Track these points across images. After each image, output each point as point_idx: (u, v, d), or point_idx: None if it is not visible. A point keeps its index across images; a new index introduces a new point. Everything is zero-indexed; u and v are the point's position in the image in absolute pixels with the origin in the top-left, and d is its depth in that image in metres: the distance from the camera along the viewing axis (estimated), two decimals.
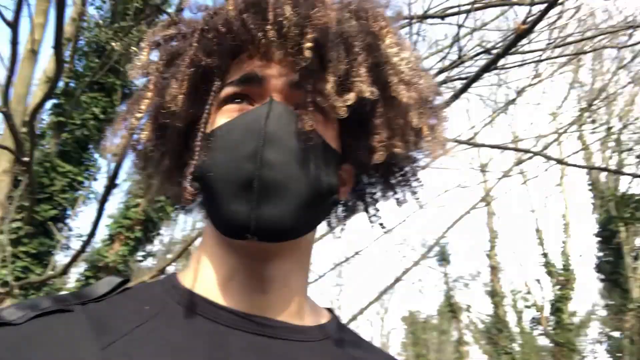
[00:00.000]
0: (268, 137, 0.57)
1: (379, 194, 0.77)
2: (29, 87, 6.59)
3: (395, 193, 0.75)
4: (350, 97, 0.60)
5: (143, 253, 8.09)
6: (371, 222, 0.77)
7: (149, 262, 9.51)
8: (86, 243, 4.15)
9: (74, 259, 4.40)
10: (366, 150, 0.66)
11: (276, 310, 0.62)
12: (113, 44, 5.00)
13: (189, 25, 0.69)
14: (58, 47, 2.69)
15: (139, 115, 0.65)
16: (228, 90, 0.64)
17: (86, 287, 0.64)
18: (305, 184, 0.59)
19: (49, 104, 6.79)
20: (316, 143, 0.60)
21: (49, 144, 6.65)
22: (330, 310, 0.74)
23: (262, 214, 0.56)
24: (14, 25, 2.65)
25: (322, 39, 0.61)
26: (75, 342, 0.53)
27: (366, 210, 0.77)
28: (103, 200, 3.22)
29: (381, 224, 0.76)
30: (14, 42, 2.79)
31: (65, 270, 4.75)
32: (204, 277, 0.63)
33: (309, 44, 0.60)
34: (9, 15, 2.63)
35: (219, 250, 0.63)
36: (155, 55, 0.69)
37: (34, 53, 6.42)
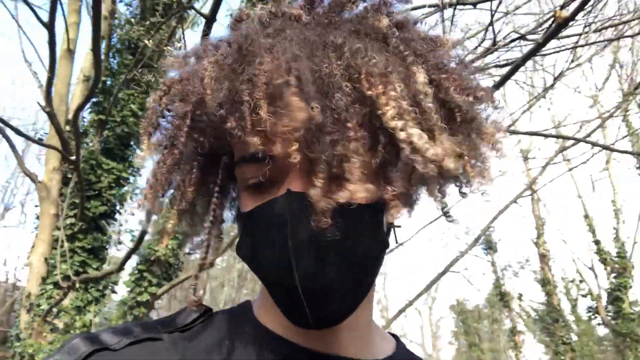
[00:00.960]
0: (296, 247, 0.54)
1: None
2: (68, 87, 6.89)
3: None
4: (341, 198, 0.55)
5: (191, 246, 8.37)
6: (444, 215, 0.70)
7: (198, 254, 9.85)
8: (139, 240, 4.37)
9: (129, 255, 4.65)
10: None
11: (347, 348, 0.63)
12: (145, 40, 5.14)
13: (179, 93, 0.63)
14: (96, 47, 2.79)
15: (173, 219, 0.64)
16: (247, 173, 0.60)
17: (171, 315, 0.67)
18: (353, 271, 0.57)
19: (88, 103, 7.07)
20: (345, 223, 0.55)
21: (93, 142, 6.82)
22: (394, 336, 0.75)
23: (319, 316, 0.56)
24: (49, 26, 2.80)
25: (306, 133, 0.55)
26: None
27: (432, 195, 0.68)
28: None
29: (447, 213, 0.69)
30: (52, 43, 2.93)
31: (122, 265, 5.04)
32: (277, 313, 0.61)
33: (293, 147, 0.54)
34: (44, 16, 2.79)
35: None
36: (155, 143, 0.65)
37: (70, 52, 6.72)
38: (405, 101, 0.56)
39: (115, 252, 7.35)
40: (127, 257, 4.02)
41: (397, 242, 0.69)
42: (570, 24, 4.13)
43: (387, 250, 0.64)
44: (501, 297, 16.28)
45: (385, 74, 0.57)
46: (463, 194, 0.66)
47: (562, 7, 3.06)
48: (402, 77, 0.58)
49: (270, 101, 0.55)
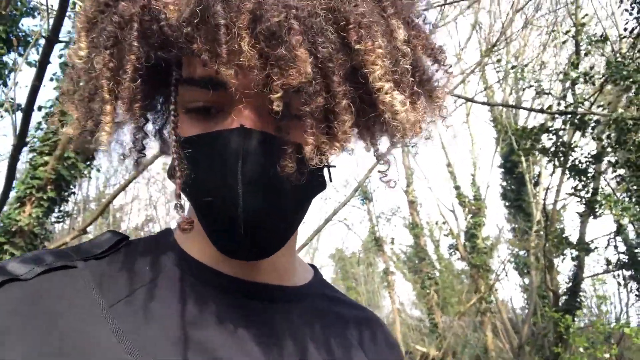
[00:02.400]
0: (245, 182, 0.53)
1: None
2: None
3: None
4: (331, 154, 0.55)
5: (58, 214, 7.75)
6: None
7: (67, 222, 9.16)
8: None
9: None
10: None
11: (270, 275, 0.65)
12: None
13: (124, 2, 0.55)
14: None
15: (107, 122, 0.55)
16: (192, 96, 0.56)
17: (85, 242, 0.63)
18: (291, 207, 0.59)
19: None
20: (300, 176, 0.55)
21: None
22: (313, 267, 0.78)
23: (255, 247, 0.57)
24: None
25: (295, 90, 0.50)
26: (83, 300, 0.54)
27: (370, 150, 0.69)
28: (13, 162, 3.00)
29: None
30: None
31: None
32: (201, 242, 0.62)
33: (277, 95, 0.50)
34: None
35: None
36: (94, 40, 0.57)
37: None
38: (388, 60, 0.53)
39: None
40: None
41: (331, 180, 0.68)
42: None
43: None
44: (376, 242, 17.50)
45: (372, 26, 0.52)
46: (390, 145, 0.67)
47: None
48: (383, 30, 0.54)
49: (252, 35, 0.49)
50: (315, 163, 0.52)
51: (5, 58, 6.82)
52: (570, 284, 10.28)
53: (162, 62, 0.56)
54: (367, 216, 17.79)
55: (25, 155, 7.40)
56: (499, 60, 8.64)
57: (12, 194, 6.99)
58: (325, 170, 0.65)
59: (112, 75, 0.55)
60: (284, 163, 0.54)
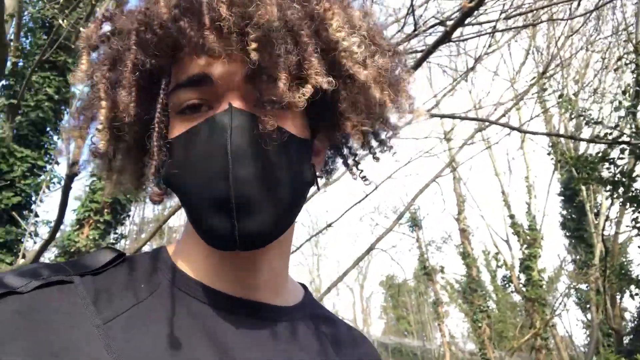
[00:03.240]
0: (234, 153, 0.57)
1: (355, 148, 0.77)
2: None
3: (371, 149, 0.75)
4: (307, 90, 0.59)
5: (115, 235, 8.06)
6: (353, 175, 0.76)
7: (122, 244, 9.50)
8: (54, 231, 4.12)
9: (44, 248, 4.38)
10: (336, 129, 0.69)
11: (263, 293, 0.66)
12: (60, 20, 4.81)
13: (124, 22, 0.65)
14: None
15: (100, 127, 0.62)
16: (183, 97, 0.62)
17: (83, 257, 0.64)
18: (281, 189, 0.61)
19: None
20: (284, 141, 0.59)
21: (4, 129, 6.34)
22: (303, 285, 0.80)
23: (245, 229, 0.58)
24: None
25: (267, 35, 0.58)
26: (78, 315, 0.55)
27: (346, 165, 0.78)
28: (66, 188, 3.19)
29: (364, 177, 0.76)
30: None
31: (36, 258, 4.74)
32: (196, 259, 0.65)
33: (253, 45, 0.57)
34: None
35: (206, 246, 0.63)
36: (97, 58, 0.66)
37: None
38: (347, 23, 0.63)
39: (33, 246, 6.92)
40: (42, 250, 3.76)
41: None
42: (488, 8, 4.35)
43: (310, 189, 0.69)
44: (425, 272, 17.08)
45: None
46: (376, 150, 0.74)
47: None
48: (342, 7, 0.65)
49: (229, 3, 0.58)
50: (289, 97, 0.58)
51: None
52: (636, 322, 9.56)
53: (154, 73, 0.63)
54: (417, 244, 17.43)
55: (86, 180, 7.75)
56: (544, 90, 8.36)
57: (72, 217, 7.33)
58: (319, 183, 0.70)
59: (109, 82, 0.62)
60: (263, 120, 0.58)
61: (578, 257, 12.99)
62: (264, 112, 0.58)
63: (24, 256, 6.42)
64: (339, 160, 0.80)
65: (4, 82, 6.38)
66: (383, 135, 0.74)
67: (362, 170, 0.76)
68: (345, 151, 0.78)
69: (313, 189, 0.71)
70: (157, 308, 0.59)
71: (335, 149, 0.78)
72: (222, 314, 0.62)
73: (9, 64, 6.49)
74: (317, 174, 0.71)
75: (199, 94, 0.61)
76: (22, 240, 6.39)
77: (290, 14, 0.60)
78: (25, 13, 6.78)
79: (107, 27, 0.67)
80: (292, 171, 0.62)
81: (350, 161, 0.77)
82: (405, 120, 0.71)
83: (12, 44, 6.50)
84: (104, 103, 0.62)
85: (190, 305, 0.61)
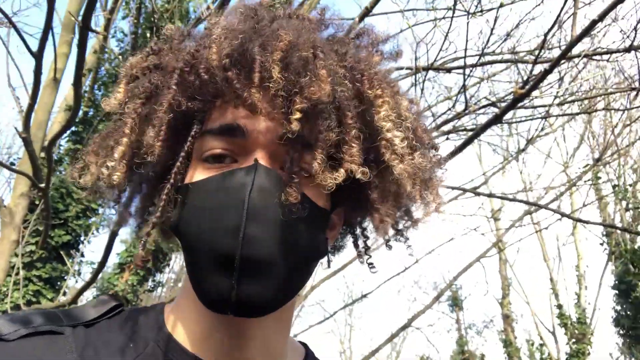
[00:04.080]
0: (251, 210, 0.54)
1: (369, 231, 0.74)
2: (49, 114, 6.81)
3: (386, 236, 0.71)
4: (340, 175, 0.57)
5: (152, 283, 8.15)
6: (360, 258, 0.73)
7: (159, 291, 9.59)
8: (96, 273, 4.24)
9: (84, 289, 4.49)
10: (357, 209, 0.68)
11: (260, 358, 0.62)
12: None
13: (169, 59, 0.64)
14: (77, 82, 2.82)
15: (112, 163, 0.61)
16: (209, 145, 0.60)
17: (79, 307, 0.64)
18: (291, 258, 0.57)
19: (66, 132, 6.96)
20: (303, 210, 0.56)
21: (66, 171, 6.77)
22: (303, 344, 0.75)
23: (243, 293, 0.54)
24: (38, 56, 2.78)
25: (313, 109, 0.57)
26: None
27: (356, 246, 0.75)
28: (113, 234, 3.32)
29: (371, 264, 0.72)
30: (38, 72, 2.90)
31: (76, 298, 4.84)
32: (186, 326, 0.61)
33: (297, 115, 0.55)
34: (34, 45, 2.74)
35: (200, 305, 0.59)
36: (132, 90, 0.65)
37: (56, 81, 6.66)
38: (394, 112, 0.62)
39: (75, 284, 7.09)
40: (82, 290, 3.86)
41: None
42: (541, 95, 4.35)
43: (320, 261, 0.67)
44: (464, 357, 16.14)
45: (383, 83, 0.63)
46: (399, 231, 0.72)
47: (525, 83, 3.23)
48: (391, 93, 0.64)
49: (283, 67, 0.57)
50: (321, 179, 0.56)
51: None
52: None
53: (187, 116, 0.61)
54: (456, 325, 16.62)
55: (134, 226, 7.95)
56: (598, 178, 8.09)
57: (115, 261, 7.51)
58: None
59: (139, 118, 0.61)
60: (288, 191, 0.55)
61: (633, 359, 11.96)
62: (290, 180, 0.56)
63: (64, 294, 6.60)
64: (349, 239, 0.77)
65: (74, 128, 6.84)
66: (401, 226, 0.72)
67: (370, 256, 0.73)
68: (358, 231, 0.75)
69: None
70: None
71: (349, 226, 0.75)
72: None
73: (80, 112, 7.00)
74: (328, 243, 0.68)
75: (227, 144, 0.59)
76: (66, 278, 6.58)
77: (340, 91, 0.58)
78: (102, 68, 7.33)
79: (152, 60, 0.66)
80: (306, 241, 0.59)
81: (360, 242, 0.74)
82: (427, 217, 0.69)
83: (86, 95, 7.03)
84: (125, 140, 0.61)
85: None
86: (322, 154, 0.57)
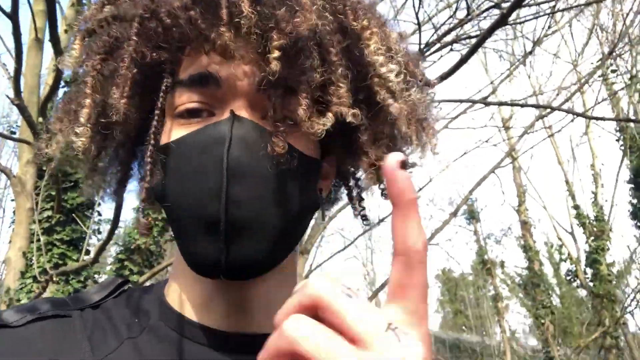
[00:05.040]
0: (232, 169, 0.50)
1: (362, 180, 0.69)
2: (39, 77, 6.65)
3: (382, 182, 0.65)
4: (328, 120, 0.52)
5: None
6: (355, 211, 0.69)
7: None
8: (111, 231, 4.30)
9: (103, 247, 4.58)
10: (350, 155, 0.63)
11: (260, 326, 0.59)
12: None
13: (127, 7, 0.58)
14: (54, 37, 2.69)
15: (79, 129, 0.57)
16: (182, 99, 0.55)
17: (85, 290, 0.64)
18: (281, 214, 0.53)
19: (60, 92, 6.82)
20: (291, 161, 0.52)
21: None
22: None
23: (233, 256, 0.51)
24: (13, 17, 2.65)
25: (292, 47, 0.51)
26: (70, 350, 0.54)
27: (350, 198, 0.71)
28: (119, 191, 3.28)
29: (364, 216, 0.68)
30: (17, 33, 2.77)
31: (97, 255, 4.96)
32: (184, 296, 0.60)
33: (276, 53, 0.50)
34: (7, 6, 2.59)
35: (194, 273, 0.57)
36: (90, 45, 0.60)
37: (39, 41, 6.46)
38: (384, 45, 0.56)
39: (97, 243, 7.24)
40: (101, 248, 3.96)
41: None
42: None
43: (314, 214, 0.63)
44: (484, 265, 16.58)
45: (369, 11, 0.57)
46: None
47: None
48: (380, 25, 0.58)
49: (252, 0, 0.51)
50: (308, 127, 0.51)
51: None
52: None
53: (154, 68, 0.56)
54: (474, 237, 16.94)
55: None
56: (613, 71, 7.80)
57: (133, 215, 7.60)
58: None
59: (100, 75, 0.56)
60: (274, 141, 0.50)
61: None
62: (274, 129, 0.52)
63: (87, 252, 6.77)
64: (343, 190, 0.72)
65: (66, 88, 6.70)
66: None
67: (364, 207, 0.68)
68: (352, 182, 0.70)
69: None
70: (147, 345, 0.56)
71: (342, 176, 0.70)
72: (212, 353, 0.56)
73: (69, 71, 6.79)
74: (321, 192, 0.63)
75: (201, 96, 0.54)
76: (88, 238, 6.72)
77: (322, 25, 0.52)
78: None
79: (109, 11, 0.60)
80: (297, 194, 0.55)
81: (354, 193, 0.70)
82: (423, 160, 0.63)
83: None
84: (87, 101, 0.56)
85: (180, 343, 0.57)
86: (306, 98, 0.52)
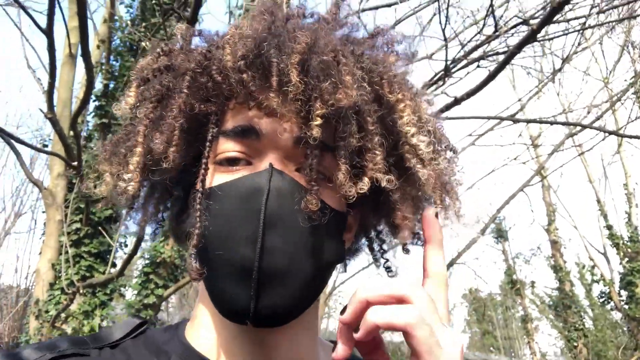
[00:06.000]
0: (268, 218, 0.52)
1: (385, 234, 0.72)
2: (71, 91, 6.85)
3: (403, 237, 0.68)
4: (365, 185, 0.55)
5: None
6: (376, 262, 0.71)
7: None
8: (136, 244, 4.36)
9: (129, 260, 4.64)
10: (376, 213, 0.66)
11: None
12: (145, 42, 5.10)
13: (181, 60, 0.62)
14: (85, 53, 2.76)
15: (128, 175, 0.59)
16: (223, 147, 0.58)
17: (105, 329, 0.65)
18: (309, 266, 0.55)
19: (91, 107, 6.98)
20: (322, 217, 0.55)
21: (97, 146, 6.88)
22: (334, 343, 0.72)
23: (262, 304, 0.53)
24: (48, 32, 2.73)
25: (333, 114, 0.54)
26: None
27: (371, 249, 0.73)
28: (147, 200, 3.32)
29: (388, 268, 0.70)
30: (51, 48, 2.86)
31: (123, 269, 5.02)
32: (207, 337, 0.61)
33: (318, 121, 0.53)
34: (43, 22, 2.67)
35: (219, 315, 0.58)
36: (143, 93, 0.63)
37: (72, 57, 6.66)
38: (415, 116, 0.59)
39: (124, 256, 7.34)
40: (127, 261, 4.00)
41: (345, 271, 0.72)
42: (577, 6, 4.01)
43: (336, 266, 0.65)
44: (513, 285, 16.17)
45: (403, 85, 0.60)
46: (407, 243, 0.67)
47: None
48: (412, 97, 0.61)
49: (301, 70, 0.54)
50: (346, 190, 0.54)
51: None
52: None
53: (201, 118, 0.59)
54: (502, 256, 16.55)
55: None
56: None
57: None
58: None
59: (151, 124, 0.59)
60: (308, 199, 0.53)
61: None
62: (309, 187, 0.54)
63: (114, 265, 6.87)
64: (364, 242, 0.74)
65: (97, 103, 6.86)
66: (418, 229, 0.68)
67: (387, 260, 0.70)
68: (373, 234, 0.72)
69: None
70: None
71: (364, 229, 0.72)
72: None
73: (100, 86, 6.98)
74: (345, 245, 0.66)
75: (241, 146, 0.57)
76: (115, 251, 6.81)
77: (360, 95, 0.55)
78: (115, 37, 7.26)
79: (163, 62, 0.64)
80: (325, 247, 0.57)
81: (375, 246, 0.72)
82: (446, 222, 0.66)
83: (103, 67, 6.99)
84: (139, 149, 0.59)
85: None
86: (345, 164, 0.55)
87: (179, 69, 0.61)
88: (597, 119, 5.45)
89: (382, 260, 0.71)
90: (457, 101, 3.21)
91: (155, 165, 0.58)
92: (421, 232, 0.67)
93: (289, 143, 0.56)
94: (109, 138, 0.66)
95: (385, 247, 0.72)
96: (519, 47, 2.86)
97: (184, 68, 0.60)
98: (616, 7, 4.10)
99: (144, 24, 6.70)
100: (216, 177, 0.58)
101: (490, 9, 3.34)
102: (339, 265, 0.68)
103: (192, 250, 0.56)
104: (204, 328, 0.61)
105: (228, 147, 0.58)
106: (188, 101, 0.57)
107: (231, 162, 0.58)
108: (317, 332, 0.66)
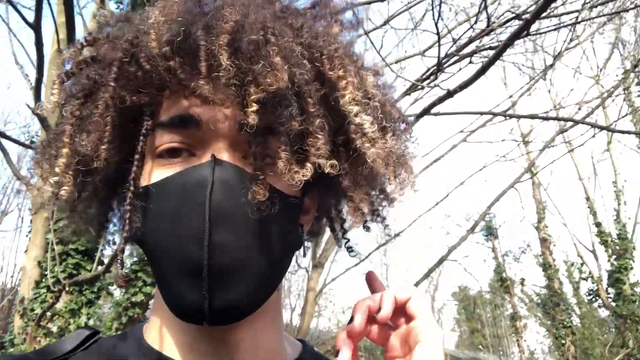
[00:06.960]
0: (214, 213, 0.50)
1: (345, 213, 0.70)
2: None
3: (365, 221, 0.68)
4: (307, 171, 0.52)
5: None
6: (338, 242, 0.70)
7: None
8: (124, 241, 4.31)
9: (114, 257, 4.58)
10: (332, 194, 0.64)
11: (251, 358, 0.58)
12: None
13: (107, 50, 0.58)
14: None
15: (54, 178, 0.56)
16: (162, 139, 0.55)
17: (53, 343, 0.62)
18: (264, 257, 0.53)
19: None
20: (272, 206, 0.52)
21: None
22: (302, 341, 0.71)
23: (216, 302, 0.51)
24: (35, 28, 2.67)
25: (271, 98, 0.51)
26: None
27: (332, 229, 0.71)
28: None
29: (349, 247, 0.69)
30: (39, 44, 2.81)
31: (108, 266, 4.96)
32: (169, 338, 0.58)
33: (253, 107, 0.50)
34: (31, 17, 2.63)
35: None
36: (69, 89, 0.59)
37: (60, 53, 6.57)
38: (359, 92, 0.56)
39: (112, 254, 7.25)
40: (112, 259, 3.95)
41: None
42: (567, 2, 4.00)
43: (296, 252, 0.62)
44: (502, 283, 16.26)
45: (345, 59, 0.56)
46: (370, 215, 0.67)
47: None
48: (354, 70, 0.57)
49: (231, 52, 0.51)
50: (288, 178, 0.51)
51: None
52: None
53: (134, 110, 0.55)
54: (492, 254, 16.63)
55: None
56: (639, 84, 7.62)
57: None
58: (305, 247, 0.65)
59: (78, 121, 0.55)
60: (255, 189, 0.50)
61: None
62: (255, 176, 0.51)
63: (101, 263, 6.78)
64: (325, 222, 0.73)
65: None
66: (377, 205, 0.68)
67: (348, 240, 0.69)
68: (333, 214, 0.71)
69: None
70: None
71: (324, 210, 0.70)
72: None
73: None
74: (302, 228, 0.64)
75: (182, 137, 0.54)
76: (103, 248, 6.71)
77: (299, 75, 0.52)
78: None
79: (87, 53, 0.60)
80: (279, 236, 0.55)
81: (337, 225, 0.70)
82: (402, 195, 0.65)
83: None
84: (65, 150, 0.55)
85: None
86: (286, 151, 0.52)
87: (105, 60, 0.57)
88: (588, 115, 5.47)
89: (344, 241, 0.69)
90: (449, 94, 3.18)
91: (87, 165, 0.54)
92: (380, 208, 0.68)
93: (231, 130, 0.53)
94: (41, 139, 0.61)
95: (346, 226, 0.70)
96: (512, 39, 2.83)
97: (110, 58, 0.56)
98: (607, 1, 4.09)
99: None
100: (156, 173, 0.55)
101: (483, 4, 3.31)
102: (299, 251, 0.65)
103: (120, 255, 0.54)
104: (163, 327, 0.59)
105: (167, 139, 0.55)
106: (117, 93, 0.54)
107: (172, 153, 0.55)
108: (281, 325, 0.64)
